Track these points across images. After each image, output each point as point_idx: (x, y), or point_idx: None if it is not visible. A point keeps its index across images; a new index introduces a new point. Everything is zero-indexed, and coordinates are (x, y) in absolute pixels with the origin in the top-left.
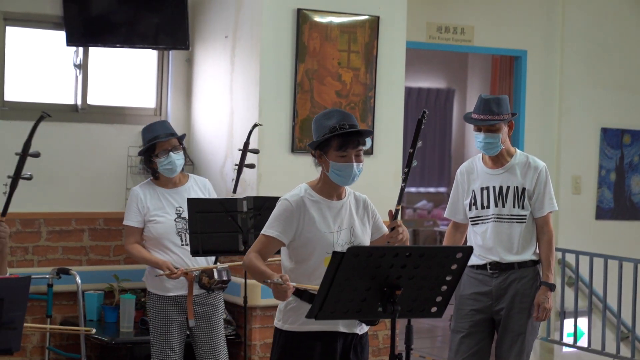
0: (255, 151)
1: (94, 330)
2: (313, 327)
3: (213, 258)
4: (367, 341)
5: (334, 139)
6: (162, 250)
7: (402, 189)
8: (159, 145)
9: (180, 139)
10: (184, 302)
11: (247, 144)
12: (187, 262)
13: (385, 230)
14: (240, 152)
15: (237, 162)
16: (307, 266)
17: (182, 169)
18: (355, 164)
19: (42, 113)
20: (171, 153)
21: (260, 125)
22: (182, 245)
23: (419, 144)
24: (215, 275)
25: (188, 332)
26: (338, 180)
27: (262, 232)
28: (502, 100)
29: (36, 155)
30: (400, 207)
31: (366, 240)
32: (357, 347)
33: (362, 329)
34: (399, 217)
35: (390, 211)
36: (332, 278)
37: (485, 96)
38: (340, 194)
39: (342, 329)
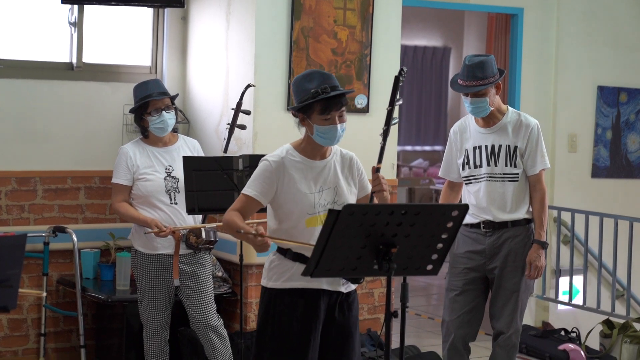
0: (247, 112)
1: (44, 294)
2: (295, 284)
3: (201, 217)
4: (354, 299)
5: (317, 103)
6: (151, 208)
7: (382, 148)
8: (152, 103)
9: (173, 98)
10: (171, 261)
11: (239, 104)
12: (175, 220)
13: (370, 189)
14: (233, 111)
15: (230, 121)
16: (288, 226)
17: (173, 128)
18: (339, 125)
19: None
20: (164, 112)
21: (254, 86)
22: (171, 203)
23: (399, 101)
24: (203, 235)
25: (176, 291)
26: (323, 142)
27: (242, 191)
28: (485, 64)
29: None
30: (380, 165)
31: (351, 199)
32: (342, 305)
33: (348, 287)
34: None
35: (373, 167)
36: (327, 236)
37: (469, 62)
38: (324, 153)
39: (325, 287)
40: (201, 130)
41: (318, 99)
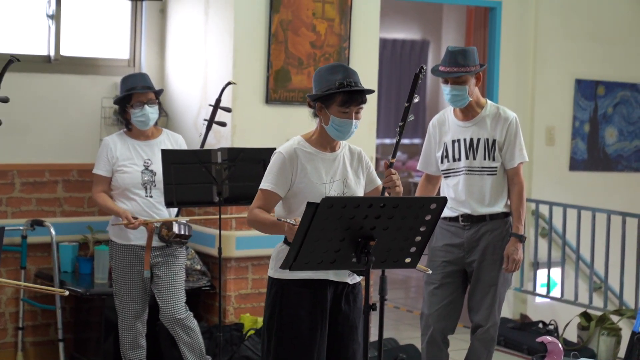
0: (227, 109)
1: (67, 292)
2: (303, 275)
3: (175, 211)
4: (359, 291)
5: (339, 94)
6: (127, 200)
7: (397, 142)
8: (135, 96)
9: (158, 93)
10: (143, 251)
11: (218, 100)
12: (151, 213)
13: (379, 182)
14: (212, 107)
15: (208, 117)
16: (298, 215)
17: (156, 123)
18: (354, 121)
19: (11, 57)
20: (146, 106)
21: (234, 83)
22: (146, 196)
23: (416, 98)
24: (175, 229)
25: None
26: (335, 134)
27: (260, 186)
28: (468, 52)
29: (5, 100)
30: (394, 160)
31: (359, 192)
32: (349, 296)
33: (354, 278)
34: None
35: (385, 162)
36: (306, 229)
37: (452, 48)
38: (335, 146)
39: (332, 277)
40: (179, 124)
41: (342, 90)
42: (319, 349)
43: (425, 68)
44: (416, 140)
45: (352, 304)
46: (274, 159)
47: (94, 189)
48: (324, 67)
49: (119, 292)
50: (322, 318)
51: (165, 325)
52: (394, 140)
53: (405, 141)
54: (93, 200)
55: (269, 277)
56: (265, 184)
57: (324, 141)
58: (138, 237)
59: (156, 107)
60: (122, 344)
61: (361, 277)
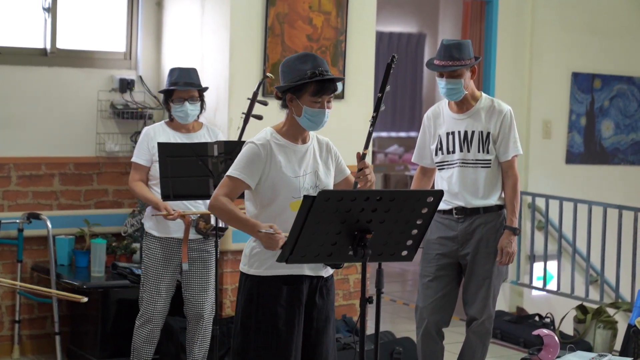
0: (264, 102)
1: (85, 299)
2: (279, 271)
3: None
4: (332, 284)
5: (311, 84)
6: None
7: (370, 133)
8: (176, 92)
9: (202, 90)
10: (179, 244)
11: (255, 94)
12: (188, 205)
13: (349, 172)
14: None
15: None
16: (272, 210)
17: (198, 117)
18: (327, 110)
19: None
20: (187, 102)
21: (272, 77)
22: None
23: (388, 88)
24: (212, 221)
25: (179, 276)
26: (308, 125)
27: (228, 173)
28: (463, 46)
29: None
30: (367, 151)
31: (330, 184)
32: (322, 289)
33: (327, 271)
34: (368, 160)
35: (358, 153)
36: (303, 222)
37: (446, 42)
38: (305, 138)
39: (307, 272)
40: None
41: (314, 80)
42: (297, 344)
43: (396, 57)
44: (412, 134)
45: (326, 297)
46: (246, 148)
47: (131, 176)
48: (292, 57)
49: (147, 283)
50: (299, 313)
51: (187, 318)
52: (390, 134)
53: (401, 134)
54: (130, 188)
55: (241, 272)
56: (234, 171)
57: (295, 132)
58: (176, 230)
59: (197, 104)
60: (136, 336)
61: (334, 269)
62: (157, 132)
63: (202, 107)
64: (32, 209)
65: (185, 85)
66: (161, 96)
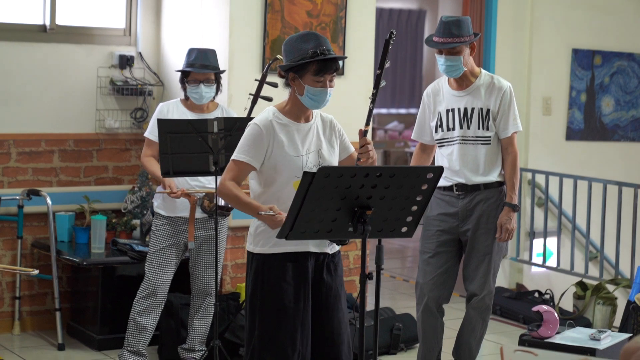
0: (274, 84)
1: (36, 271)
2: (284, 249)
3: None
4: (339, 260)
5: (313, 63)
6: None
7: (371, 110)
8: (192, 74)
9: (218, 73)
10: (186, 223)
11: (264, 75)
12: (193, 184)
13: (353, 149)
14: (257, 82)
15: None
16: (275, 189)
17: (213, 98)
18: (329, 89)
19: None
20: (202, 84)
21: (281, 58)
22: None
23: (387, 64)
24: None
25: (188, 255)
26: (310, 104)
27: (233, 157)
28: (462, 22)
29: None
30: (369, 127)
31: (334, 161)
32: (329, 265)
33: (333, 248)
34: (369, 137)
35: (360, 130)
36: (302, 198)
37: (445, 18)
38: (308, 116)
39: (312, 249)
40: (175, 94)
41: (316, 59)
42: (304, 321)
43: (395, 33)
44: (412, 110)
45: (334, 273)
46: (248, 130)
47: (143, 151)
48: (294, 36)
49: (152, 257)
50: (305, 290)
51: (194, 294)
52: (390, 111)
53: (401, 111)
54: (141, 163)
55: (248, 252)
56: (239, 155)
57: (298, 111)
58: (181, 209)
59: (213, 87)
60: (135, 307)
61: (340, 246)
62: (171, 110)
63: (217, 89)
64: (32, 185)
65: (201, 68)
66: (160, 73)
